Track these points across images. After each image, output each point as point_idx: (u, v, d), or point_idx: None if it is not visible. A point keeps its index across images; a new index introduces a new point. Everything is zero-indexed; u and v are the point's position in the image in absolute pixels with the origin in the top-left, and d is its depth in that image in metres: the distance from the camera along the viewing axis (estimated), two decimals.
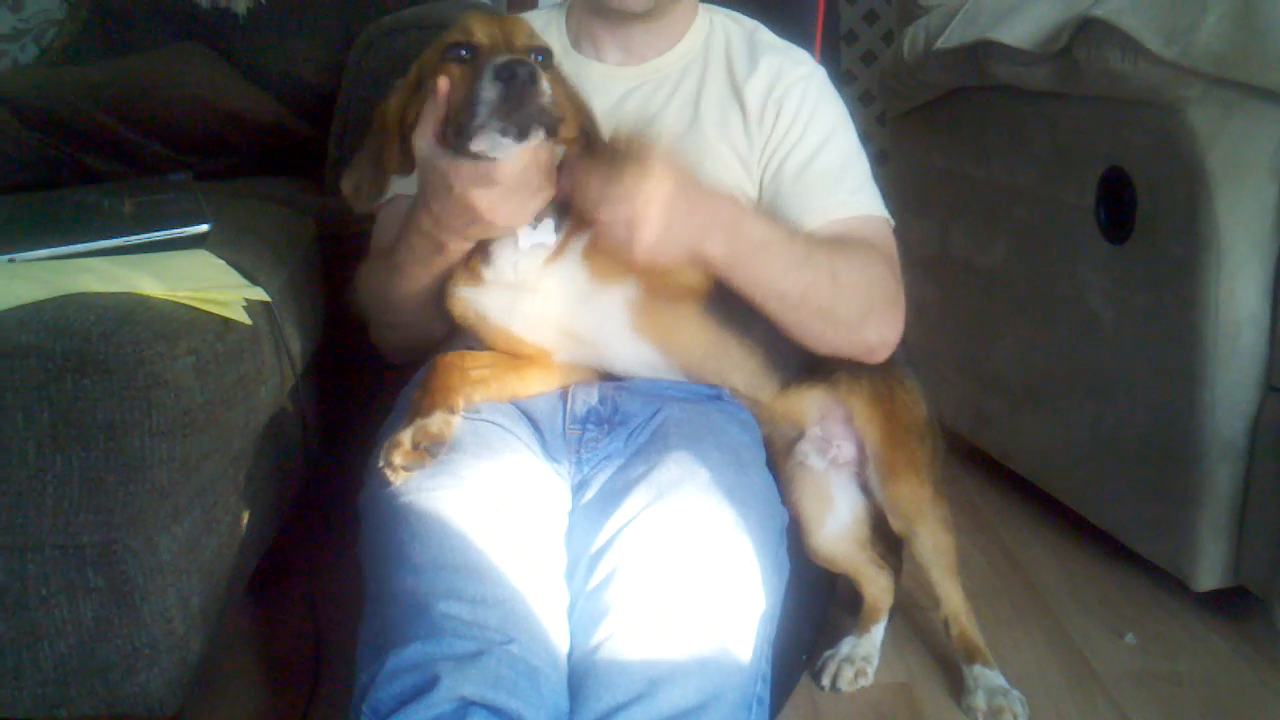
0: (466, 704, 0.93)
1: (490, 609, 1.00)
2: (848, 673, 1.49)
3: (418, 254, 1.19)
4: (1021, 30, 1.73)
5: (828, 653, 1.52)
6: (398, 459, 1.08)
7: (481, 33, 1.09)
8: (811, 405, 1.36)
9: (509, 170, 1.06)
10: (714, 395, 1.29)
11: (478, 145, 1.03)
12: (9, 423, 1.01)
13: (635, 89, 1.40)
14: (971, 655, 1.45)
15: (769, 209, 1.33)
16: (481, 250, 1.18)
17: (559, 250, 1.17)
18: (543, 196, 1.11)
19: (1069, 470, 1.92)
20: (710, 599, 1.05)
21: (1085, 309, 1.78)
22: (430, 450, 1.09)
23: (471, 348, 1.25)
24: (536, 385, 1.25)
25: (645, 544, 1.07)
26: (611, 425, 1.22)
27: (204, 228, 1.28)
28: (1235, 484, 1.57)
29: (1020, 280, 2.00)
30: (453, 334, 1.28)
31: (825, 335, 1.25)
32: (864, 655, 1.51)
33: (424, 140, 1.09)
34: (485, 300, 1.20)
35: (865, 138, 1.41)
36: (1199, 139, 1.49)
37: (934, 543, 1.40)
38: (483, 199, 1.07)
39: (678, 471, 1.13)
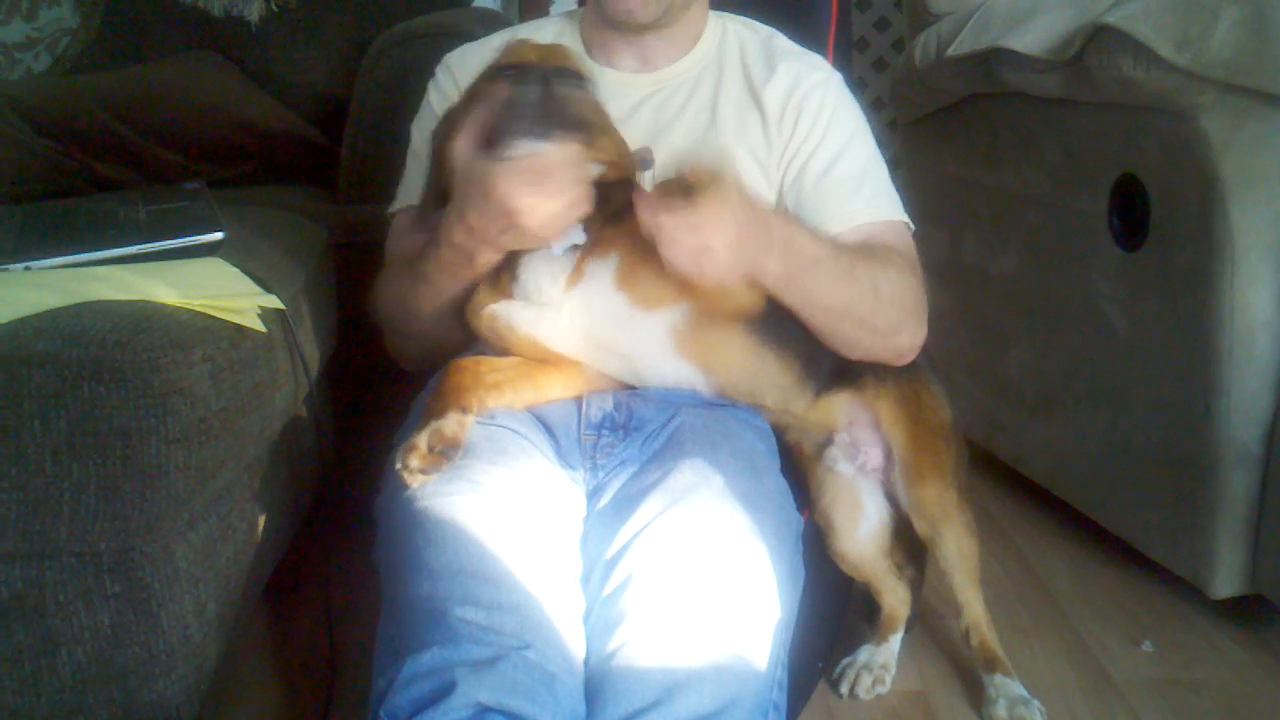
0: (483, 709, 0.93)
1: (506, 614, 1.00)
2: (866, 680, 1.48)
3: (446, 266, 1.19)
4: (1033, 37, 1.73)
5: (846, 660, 1.52)
6: (414, 462, 1.08)
7: (529, 56, 1.14)
8: (840, 410, 1.38)
9: (548, 161, 1.06)
10: (729, 401, 1.29)
11: (516, 148, 1.05)
12: (26, 430, 1.01)
13: (650, 96, 1.40)
14: (992, 665, 1.44)
15: (793, 216, 1.34)
16: (509, 265, 1.19)
17: (579, 267, 1.18)
18: (579, 209, 1.10)
19: (1084, 477, 1.91)
20: (726, 605, 1.05)
21: (1098, 316, 1.78)
22: (446, 454, 1.09)
23: (486, 354, 1.25)
24: (554, 392, 1.25)
25: (660, 550, 1.07)
26: (626, 431, 1.22)
27: (218, 235, 1.29)
28: (1251, 490, 1.56)
29: (1033, 287, 1.99)
30: (470, 342, 1.29)
31: (863, 342, 1.28)
32: (882, 663, 1.51)
33: (465, 145, 1.10)
34: (513, 313, 1.21)
35: (877, 144, 1.42)
36: (1212, 146, 1.49)
37: (958, 548, 1.40)
38: (523, 199, 1.06)
39: (692, 477, 1.13)
